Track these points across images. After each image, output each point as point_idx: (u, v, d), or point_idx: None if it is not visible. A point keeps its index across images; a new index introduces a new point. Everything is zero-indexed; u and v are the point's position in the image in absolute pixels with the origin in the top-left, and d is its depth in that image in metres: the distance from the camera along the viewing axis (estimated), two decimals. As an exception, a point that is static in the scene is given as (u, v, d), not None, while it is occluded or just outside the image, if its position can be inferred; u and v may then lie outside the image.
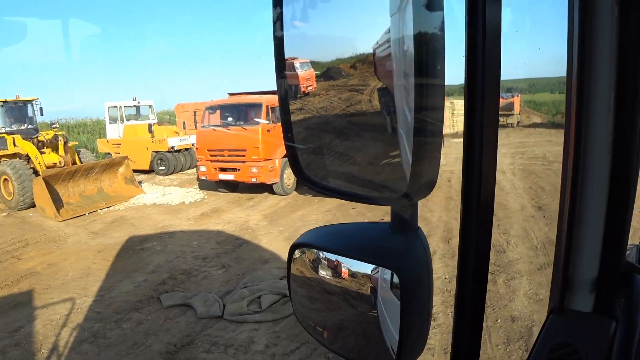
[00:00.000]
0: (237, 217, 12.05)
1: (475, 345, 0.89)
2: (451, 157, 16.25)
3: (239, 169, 13.96)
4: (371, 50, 0.76)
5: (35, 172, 14.36)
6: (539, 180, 14.26)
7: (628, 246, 1.38)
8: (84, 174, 14.02)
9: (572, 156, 1.12)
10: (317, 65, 0.89)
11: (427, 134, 0.70)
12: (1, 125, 16.06)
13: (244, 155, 13.74)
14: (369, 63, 0.78)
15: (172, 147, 19.22)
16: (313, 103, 0.92)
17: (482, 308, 0.88)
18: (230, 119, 14.24)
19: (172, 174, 19.37)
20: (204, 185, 15.81)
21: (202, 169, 14.62)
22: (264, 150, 13.51)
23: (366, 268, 0.86)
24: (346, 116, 0.88)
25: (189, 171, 19.84)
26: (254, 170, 13.57)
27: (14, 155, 15.27)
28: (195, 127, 15.22)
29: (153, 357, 5.46)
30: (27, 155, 15.11)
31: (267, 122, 13.61)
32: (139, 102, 22.46)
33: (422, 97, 0.68)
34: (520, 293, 6.57)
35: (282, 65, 0.87)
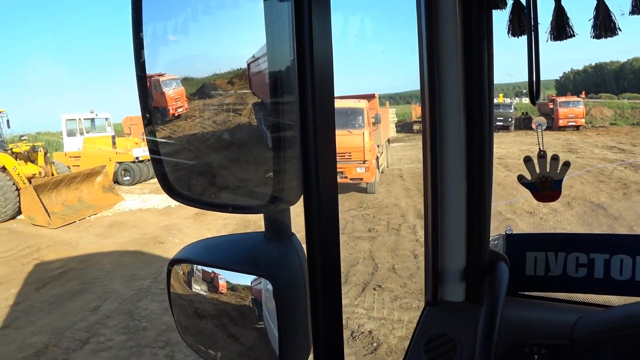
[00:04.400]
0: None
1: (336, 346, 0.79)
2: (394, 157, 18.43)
3: (342, 171, 14.29)
4: (246, 65, 0.75)
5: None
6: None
7: (494, 236, 1.58)
8: (67, 183, 14.54)
9: (429, 160, 1.22)
10: (191, 82, 0.84)
11: (286, 142, 0.72)
12: None
13: (349, 158, 14.33)
14: (245, 78, 0.77)
15: (137, 158, 19.86)
16: (184, 129, 0.88)
17: (339, 309, 0.79)
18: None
19: (136, 184, 19.97)
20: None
21: None
22: (369, 152, 14.37)
23: (246, 280, 0.86)
24: (221, 138, 0.86)
25: (152, 180, 20.51)
26: (361, 170, 14.33)
27: (-14, 169, 15.36)
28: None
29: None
30: (2, 167, 15.28)
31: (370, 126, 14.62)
32: (96, 115, 22.72)
33: (278, 107, 0.71)
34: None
35: (144, 85, 0.84)
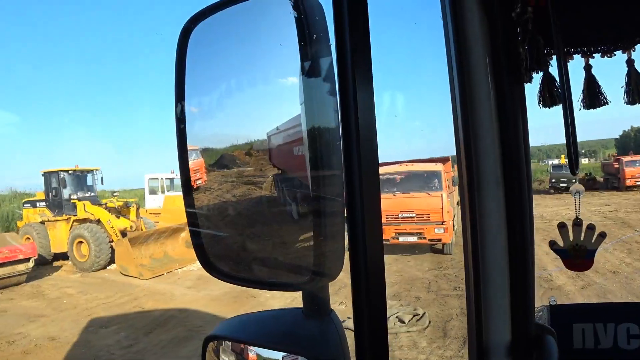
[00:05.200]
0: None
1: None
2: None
3: (421, 232, 14.66)
4: (266, 137, 0.77)
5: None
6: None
7: (538, 308, 1.54)
8: (155, 238, 15.50)
9: (469, 231, 1.19)
10: (210, 152, 0.86)
11: (327, 215, 0.71)
12: (70, 192, 17.66)
13: (428, 219, 14.63)
14: (264, 149, 0.79)
15: (214, 216, 20.83)
16: (202, 201, 0.89)
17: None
18: (409, 185, 15.17)
19: (213, 239, 20.78)
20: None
21: None
22: (447, 213, 14.65)
23: (279, 356, 0.87)
24: (246, 212, 0.87)
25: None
26: (439, 231, 14.52)
27: (83, 220, 16.76)
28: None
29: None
30: (97, 220, 16.53)
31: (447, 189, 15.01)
32: (176, 175, 24.17)
33: (319, 180, 0.70)
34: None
35: (184, 155, 0.86)
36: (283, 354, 0.86)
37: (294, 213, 0.79)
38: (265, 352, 0.89)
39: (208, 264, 0.90)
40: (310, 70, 0.68)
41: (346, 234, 0.73)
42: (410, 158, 16.39)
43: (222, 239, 0.93)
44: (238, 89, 0.81)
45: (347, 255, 0.73)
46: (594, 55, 1.28)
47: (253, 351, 0.90)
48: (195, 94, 0.85)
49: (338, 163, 0.70)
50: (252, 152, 0.81)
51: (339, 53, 0.71)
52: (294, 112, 0.71)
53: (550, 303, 1.71)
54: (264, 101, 0.78)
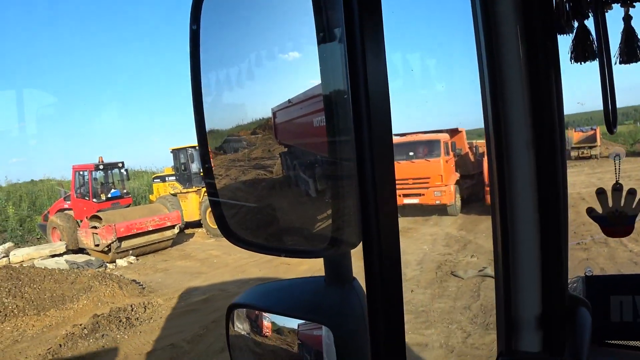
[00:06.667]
0: (433, 231, 14.96)
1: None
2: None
3: (423, 194, 16.89)
4: (270, 113, 0.75)
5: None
6: None
7: (573, 279, 1.48)
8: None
9: (497, 198, 1.14)
10: (215, 134, 0.84)
11: (344, 183, 0.69)
12: (198, 166, 19.00)
13: (427, 183, 16.76)
14: (269, 127, 0.76)
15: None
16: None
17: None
18: (411, 153, 17.37)
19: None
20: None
21: None
22: (445, 177, 16.62)
23: (294, 323, 0.87)
24: (261, 188, 0.85)
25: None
26: (438, 193, 16.63)
27: (213, 195, 18.44)
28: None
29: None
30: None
31: (446, 155, 16.97)
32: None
33: (335, 146, 0.68)
34: None
35: (202, 127, 0.85)
36: (299, 321, 0.87)
37: (311, 190, 0.77)
38: (280, 320, 0.90)
39: (228, 232, 0.90)
40: (325, 37, 0.66)
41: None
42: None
43: (241, 208, 0.94)
44: (246, 63, 0.79)
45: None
46: (634, 4, 1.16)
47: (267, 318, 0.92)
48: (206, 67, 0.84)
49: (349, 130, 0.67)
50: (257, 131, 0.80)
51: (346, 12, 0.65)
52: (307, 85, 0.70)
53: (586, 274, 1.64)
54: (272, 76, 0.76)
